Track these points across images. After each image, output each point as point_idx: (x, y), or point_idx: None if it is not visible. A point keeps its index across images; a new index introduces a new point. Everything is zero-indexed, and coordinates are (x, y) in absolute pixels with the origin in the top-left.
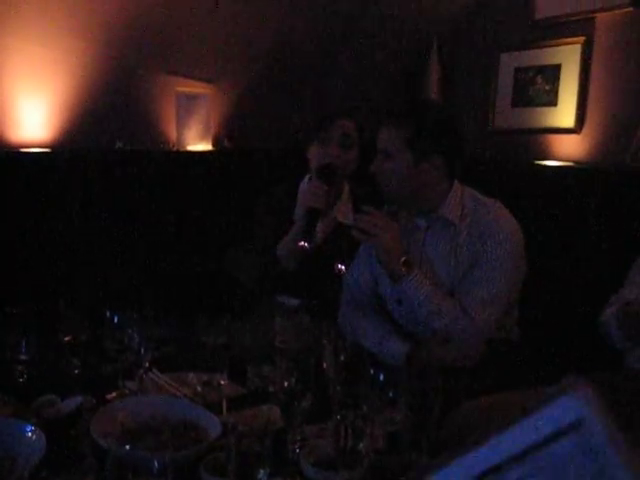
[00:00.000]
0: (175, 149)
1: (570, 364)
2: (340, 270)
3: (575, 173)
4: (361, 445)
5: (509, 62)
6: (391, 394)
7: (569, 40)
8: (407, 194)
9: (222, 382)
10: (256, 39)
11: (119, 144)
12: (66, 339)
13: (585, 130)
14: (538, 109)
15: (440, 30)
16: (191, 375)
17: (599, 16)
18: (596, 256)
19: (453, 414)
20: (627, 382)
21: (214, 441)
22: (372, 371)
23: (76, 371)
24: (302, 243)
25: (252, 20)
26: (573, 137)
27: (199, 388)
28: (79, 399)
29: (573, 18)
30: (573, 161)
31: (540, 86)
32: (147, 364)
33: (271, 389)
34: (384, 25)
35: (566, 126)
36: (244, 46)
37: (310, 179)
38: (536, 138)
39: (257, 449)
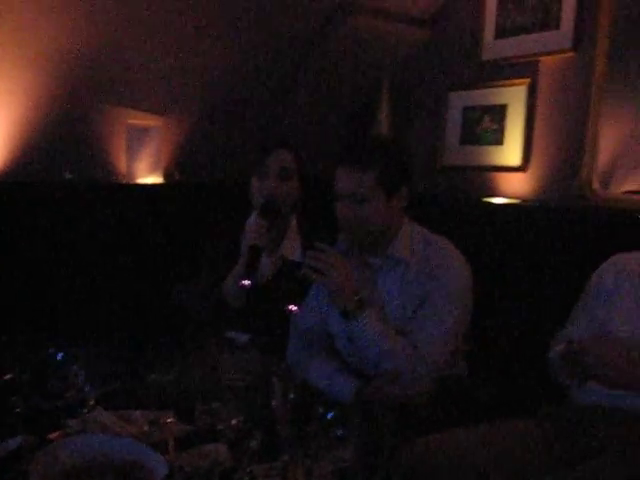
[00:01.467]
0: (125, 181)
1: (517, 398)
2: (292, 310)
3: (521, 210)
4: None
5: (457, 101)
6: (340, 432)
7: (515, 81)
8: (377, 235)
9: (169, 420)
10: (208, 72)
11: (68, 175)
12: (6, 377)
13: (531, 168)
14: (486, 147)
15: (391, 68)
16: (137, 413)
17: (543, 59)
18: (542, 291)
19: (403, 452)
20: (571, 414)
21: None
22: (321, 409)
23: (17, 410)
24: (244, 282)
25: (204, 53)
26: (519, 175)
27: (145, 427)
28: (19, 439)
29: (518, 61)
30: (519, 198)
31: (487, 125)
32: (91, 402)
33: (219, 427)
34: (336, 62)
35: (512, 164)
36: (196, 79)
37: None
38: (484, 175)
39: None
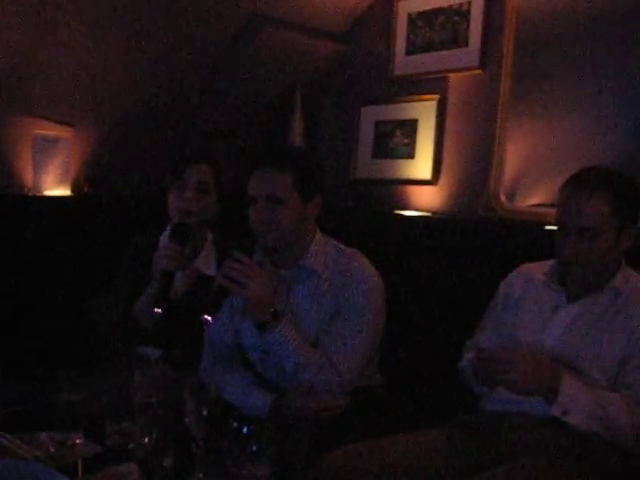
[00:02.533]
0: (31, 193)
1: (430, 408)
2: (207, 321)
3: (432, 222)
4: None
5: (370, 115)
6: (255, 447)
7: (425, 97)
8: (289, 240)
9: (78, 441)
10: (120, 82)
11: None
12: None
13: (441, 182)
14: (397, 161)
15: (303, 80)
16: (43, 435)
17: (452, 76)
18: (453, 301)
19: (319, 464)
20: (481, 422)
21: None
22: (235, 424)
23: None
24: (156, 310)
25: (115, 64)
26: (430, 188)
27: (52, 449)
28: None
29: (428, 77)
30: (430, 211)
31: (399, 139)
32: None
33: (130, 446)
34: (249, 73)
35: (423, 178)
36: (107, 89)
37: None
38: (395, 189)
39: None
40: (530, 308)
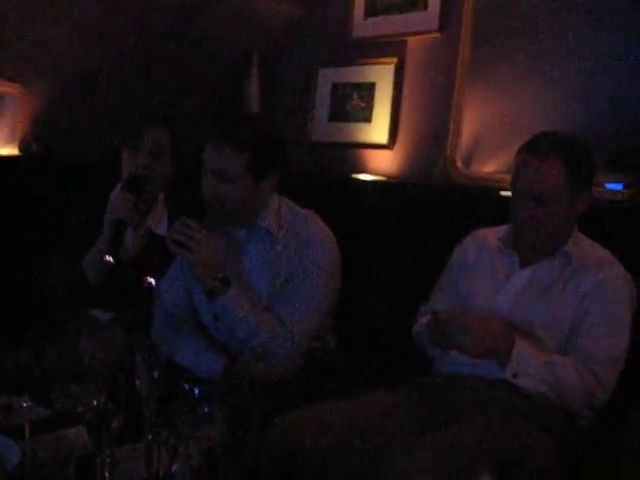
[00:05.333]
0: None
1: (384, 370)
2: (150, 284)
3: (388, 187)
4: (175, 465)
5: (327, 78)
6: (207, 410)
7: (383, 60)
8: (239, 214)
9: (24, 404)
10: (70, 40)
11: None
12: None
13: (397, 146)
14: (354, 124)
15: (260, 43)
16: None
17: (410, 39)
18: (407, 265)
19: (271, 427)
20: (434, 383)
21: (12, 471)
22: (187, 386)
23: None
24: (107, 258)
25: (66, 21)
26: (386, 152)
27: None
28: None
29: (387, 40)
30: (386, 175)
31: (356, 102)
32: None
33: (79, 409)
34: (205, 36)
35: (379, 142)
36: (57, 46)
37: (121, 189)
38: (352, 152)
39: (60, 477)
40: (484, 273)
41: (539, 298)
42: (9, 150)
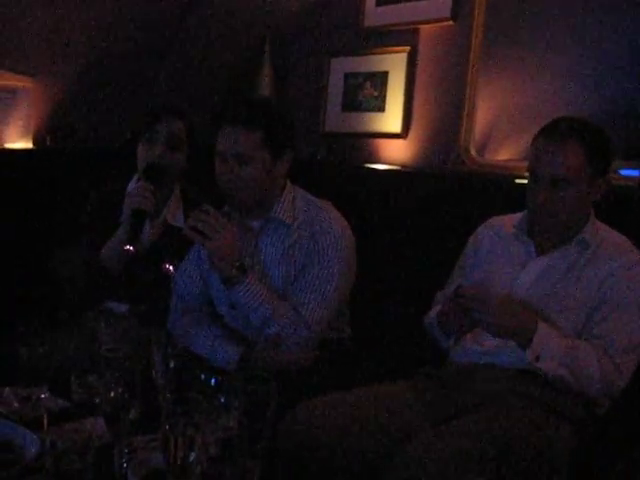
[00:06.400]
0: None
1: (399, 361)
2: (168, 270)
3: (401, 176)
4: (193, 455)
5: (339, 67)
6: (223, 400)
7: (396, 49)
8: (258, 196)
9: (42, 396)
10: (81, 33)
11: None
12: None
13: (411, 135)
14: (367, 114)
15: (273, 31)
16: (7, 390)
17: (423, 27)
18: (422, 254)
19: (287, 418)
20: (448, 374)
21: (31, 461)
22: (203, 376)
23: None
24: (127, 247)
25: (77, 13)
26: (400, 142)
27: (16, 404)
28: None
29: (399, 28)
30: (400, 165)
31: (369, 92)
32: None
33: (97, 400)
34: (216, 24)
35: (393, 131)
36: (70, 38)
37: (138, 180)
38: (365, 142)
39: (78, 467)
40: (500, 261)
41: (556, 286)
42: (23, 144)
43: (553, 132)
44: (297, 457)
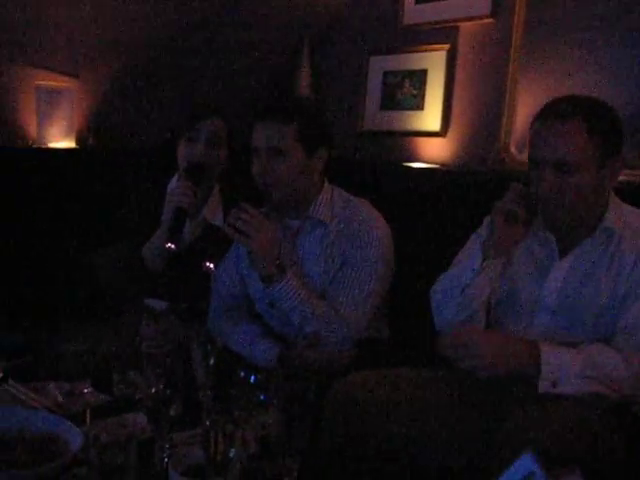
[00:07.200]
0: (35, 146)
1: (436, 363)
2: (209, 269)
3: (441, 174)
4: (232, 451)
5: (378, 65)
6: (262, 397)
7: (435, 47)
8: (294, 193)
9: (86, 391)
10: (122, 34)
11: None
12: None
13: (450, 134)
14: (406, 112)
15: (311, 31)
16: (52, 385)
17: (462, 25)
18: None
19: (330, 392)
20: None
21: (75, 454)
22: (242, 374)
23: None
24: (169, 245)
25: (118, 14)
26: (439, 140)
27: (60, 398)
28: None
29: (438, 26)
30: (439, 163)
31: (407, 90)
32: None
33: (138, 396)
34: (254, 24)
35: (432, 129)
36: (112, 39)
37: (179, 179)
38: (404, 140)
39: (121, 460)
40: (522, 265)
41: (584, 285)
42: (67, 143)
43: (552, 111)
44: (341, 433)
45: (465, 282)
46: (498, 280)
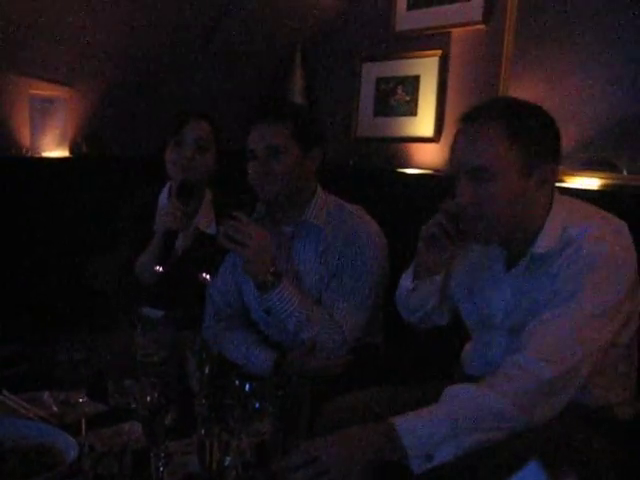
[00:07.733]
0: (29, 155)
1: (431, 368)
2: (205, 280)
3: (434, 180)
4: (228, 459)
5: (371, 72)
6: (257, 405)
7: (427, 53)
8: (289, 192)
9: (81, 400)
10: (116, 43)
11: None
12: None
13: (443, 139)
14: (399, 118)
15: (304, 37)
16: (46, 394)
17: (454, 31)
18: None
19: (320, 420)
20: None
21: (70, 465)
22: (237, 382)
23: None
24: (157, 268)
25: (110, 23)
26: (432, 146)
27: (55, 408)
28: None
29: (430, 32)
30: (432, 169)
31: (400, 96)
32: None
33: (133, 405)
34: (247, 30)
35: (425, 135)
36: (103, 48)
37: (169, 193)
38: (397, 147)
39: (116, 470)
40: (472, 271)
41: (530, 301)
42: (60, 152)
43: (470, 115)
44: None
45: (406, 295)
46: (445, 290)
